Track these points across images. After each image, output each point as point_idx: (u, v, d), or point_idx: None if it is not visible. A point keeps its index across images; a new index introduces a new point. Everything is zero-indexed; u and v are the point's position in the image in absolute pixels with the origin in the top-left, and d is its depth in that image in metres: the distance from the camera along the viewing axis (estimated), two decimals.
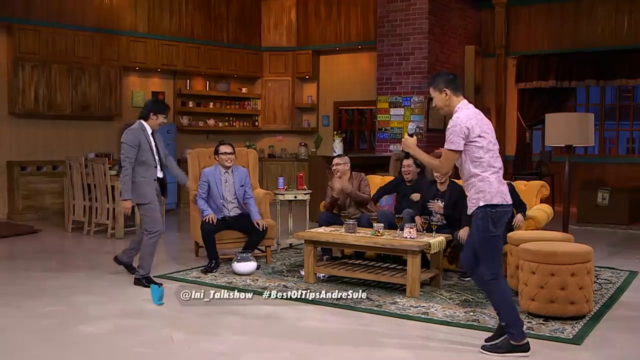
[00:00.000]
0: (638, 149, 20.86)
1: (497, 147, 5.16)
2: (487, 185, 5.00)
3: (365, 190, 8.34)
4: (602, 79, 14.10)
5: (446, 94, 5.12)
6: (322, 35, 15.75)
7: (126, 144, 7.06)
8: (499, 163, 5.11)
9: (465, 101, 5.18)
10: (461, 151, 5.03)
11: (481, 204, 5.00)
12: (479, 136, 5.01)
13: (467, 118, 5.02)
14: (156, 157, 7.25)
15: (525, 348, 5.03)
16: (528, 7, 14.71)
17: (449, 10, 13.76)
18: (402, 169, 8.52)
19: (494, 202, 4.98)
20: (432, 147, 12.49)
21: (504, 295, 5.13)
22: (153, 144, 7.24)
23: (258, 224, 8.09)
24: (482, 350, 5.12)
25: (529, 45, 14.76)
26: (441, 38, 13.50)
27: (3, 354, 5.07)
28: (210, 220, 7.94)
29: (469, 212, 5.14)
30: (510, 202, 5.11)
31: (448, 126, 5.06)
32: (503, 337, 5.11)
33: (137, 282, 7.19)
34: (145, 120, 7.24)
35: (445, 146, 5.04)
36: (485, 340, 5.22)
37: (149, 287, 6.87)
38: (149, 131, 7.22)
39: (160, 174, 7.33)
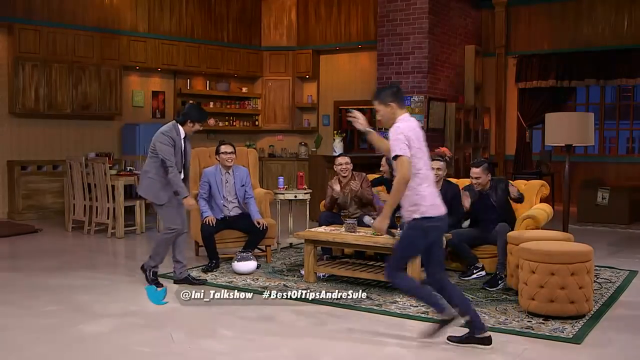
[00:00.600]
0: (638, 148, 20.89)
1: (427, 158, 5.28)
2: (421, 199, 5.11)
3: (370, 191, 8.37)
4: (602, 79, 14.12)
5: (392, 107, 5.25)
6: (322, 35, 15.77)
7: (163, 145, 7.02)
8: (432, 176, 5.31)
9: (407, 114, 5.29)
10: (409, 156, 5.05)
11: (417, 216, 5.12)
12: (419, 149, 5.13)
13: (407, 129, 5.12)
14: (182, 162, 7.24)
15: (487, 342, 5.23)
16: (528, 7, 14.72)
17: (449, 9, 13.77)
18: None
19: (428, 214, 5.11)
20: (432, 147, 12.51)
21: (409, 286, 5.48)
22: (183, 148, 7.23)
23: (258, 223, 8.11)
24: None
25: (529, 44, 14.78)
26: (441, 37, 13.51)
27: (4, 353, 5.10)
28: (210, 222, 7.95)
29: (404, 220, 5.27)
30: (443, 212, 5.22)
31: (390, 136, 5.13)
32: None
33: (142, 269, 7.30)
34: (182, 124, 7.18)
35: (392, 154, 5.09)
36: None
37: (153, 283, 6.97)
38: (182, 135, 7.19)
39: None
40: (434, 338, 5.29)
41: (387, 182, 8.44)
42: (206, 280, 7.44)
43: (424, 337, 5.35)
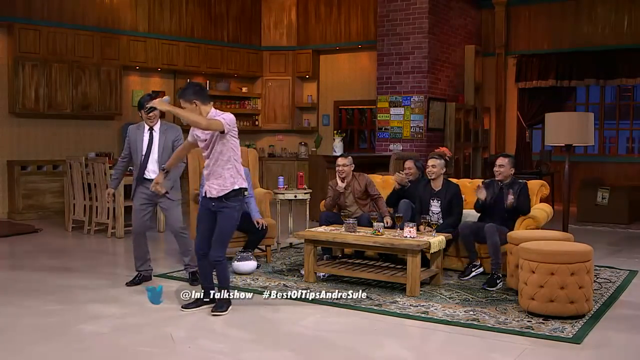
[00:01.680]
0: (638, 148, 20.96)
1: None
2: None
3: (374, 190, 8.36)
4: (602, 79, 14.15)
5: (195, 104, 5.82)
6: (322, 35, 15.81)
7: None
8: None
9: (214, 109, 6.01)
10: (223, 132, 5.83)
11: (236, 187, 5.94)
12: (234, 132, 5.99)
13: (225, 115, 5.92)
14: (142, 157, 7.15)
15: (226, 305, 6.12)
16: (528, 7, 14.75)
17: (449, 9, 13.79)
18: (405, 171, 8.57)
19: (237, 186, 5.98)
20: (432, 147, 12.54)
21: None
22: (145, 143, 7.14)
23: (258, 222, 8.11)
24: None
25: (528, 44, 14.81)
26: (441, 37, 13.53)
27: (4, 353, 5.11)
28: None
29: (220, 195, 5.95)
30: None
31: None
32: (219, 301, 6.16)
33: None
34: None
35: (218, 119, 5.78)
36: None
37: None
38: (146, 128, 7.16)
39: (148, 175, 7.13)
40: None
41: (399, 195, 8.45)
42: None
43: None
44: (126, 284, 7.22)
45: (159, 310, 6.31)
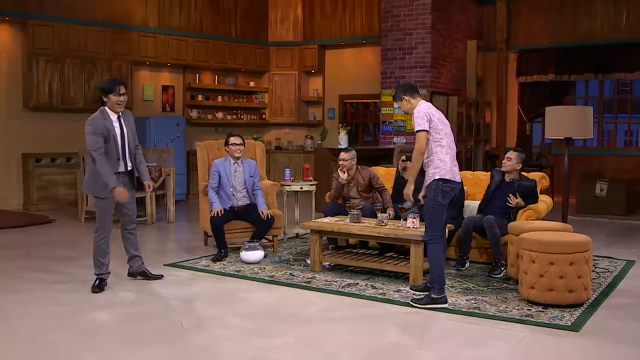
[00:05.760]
0: (636, 141, 20.89)
1: (451, 134, 6.29)
2: (442, 163, 6.08)
3: (378, 183, 8.44)
4: (601, 73, 14.25)
5: (406, 100, 6.29)
6: (327, 30, 15.95)
7: (87, 134, 6.47)
8: (453, 146, 6.25)
9: (423, 100, 6.33)
10: (428, 131, 6.05)
11: (436, 177, 6.06)
12: (438, 120, 6.14)
13: (426, 107, 6.18)
14: (122, 146, 6.66)
15: (443, 300, 6.06)
16: (528, 3, 14.87)
17: (451, 5, 13.95)
18: (400, 167, 8.71)
19: (447, 177, 6.06)
20: None
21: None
22: (119, 131, 6.62)
23: (263, 212, 8.25)
24: (411, 303, 6.16)
25: (529, 39, 14.93)
26: (444, 33, 13.70)
27: (18, 340, 5.18)
28: (217, 213, 8.06)
29: (426, 184, 6.18)
30: (458, 180, 6.23)
31: (413, 117, 6.16)
32: (426, 294, 6.18)
33: (93, 285, 6.72)
34: (105, 105, 6.61)
35: (415, 129, 6.08)
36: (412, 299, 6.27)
37: (99, 291, 6.60)
38: (113, 117, 6.60)
39: (122, 168, 6.71)
40: None
41: (399, 181, 8.52)
42: (162, 275, 7.22)
43: None
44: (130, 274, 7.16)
45: (168, 299, 6.40)
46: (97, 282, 6.73)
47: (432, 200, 6.09)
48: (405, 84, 6.57)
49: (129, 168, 6.78)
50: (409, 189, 6.20)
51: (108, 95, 6.53)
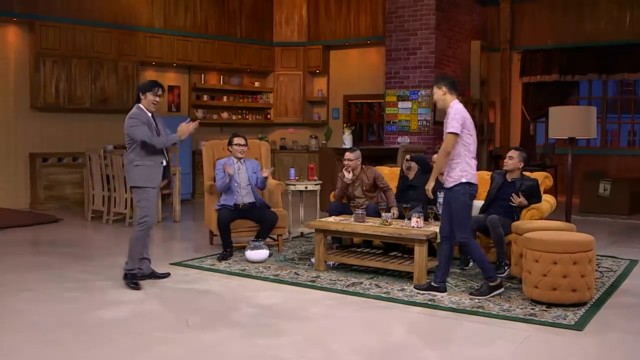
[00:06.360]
0: (639, 141, 20.97)
1: (476, 139, 6.46)
2: (469, 167, 6.29)
3: (383, 182, 8.46)
4: (604, 73, 14.31)
5: (443, 91, 6.37)
6: (332, 31, 16.02)
7: (134, 126, 6.79)
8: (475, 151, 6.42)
9: (457, 102, 6.38)
10: (459, 134, 6.20)
11: (463, 180, 6.23)
12: (470, 124, 6.30)
13: (462, 109, 6.29)
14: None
15: (500, 285, 6.41)
16: (532, 3, 14.93)
17: (455, 6, 14.00)
18: (404, 167, 8.77)
19: (472, 181, 6.28)
20: (439, 139, 12.75)
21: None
22: (155, 126, 6.96)
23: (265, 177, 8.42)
24: (471, 296, 6.36)
25: (533, 40, 14.99)
26: (448, 33, 13.74)
27: (26, 338, 5.21)
28: (224, 168, 8.22)
29: (449, 185, 6.32)
30: (476, 183, 6.45)
31: (448, 115, 6.27)
32: (483, 283, 6.47)
33: (124, 276, 6.92)
34: (141, 102, 6.94)
35: (447, 131, 6.20)
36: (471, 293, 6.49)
37: (134, 286, 6.73)
38: (149, 114, 6.93)
39: (165, 160, 7.03)
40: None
41: (408, 186, 8.60)
42: (169, 273, 7.28)
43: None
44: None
45: (174, 298, 6.46)
46: (129, 276, 6.89)
47: (462, 202, 6.28)
48: (450, 77, 6.67)
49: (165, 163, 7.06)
50: (430, 185, 6.39)
51: (146, 94, 6.90)
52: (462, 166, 6.22)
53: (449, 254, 6.55)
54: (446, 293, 6.51)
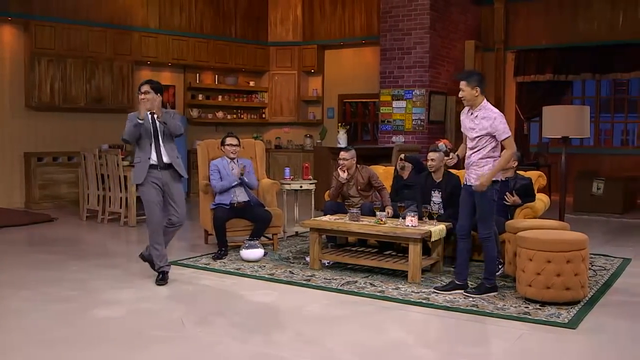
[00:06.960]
0: (632, 140, 20.99)
1: None
2: None
3: (377, 182, 8.48)
4: (598, 73, 14.37)
5: (476, 91, 6.33)
6: (327, 31, 16.03)
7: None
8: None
9: (486, 101, 6.43)
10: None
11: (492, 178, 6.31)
12: None
13: (498, 111, 6.38)
14: (153, 140, 6.97)
15: (496, 289, 6.51)
16: (526, 3, 14.96)
17: (449, 6, 14.02)
18: (399, 167, 8.81)
19: (498, 178, 6.41)
20: (433, 139, 12.77)
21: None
22: (150, 126, 7.01)
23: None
24: (466, 294, 6.44)
25: (527, 40, 15.03)
26: (442, 33, 13.77)
27: (23, 336, 5.21)
28: (236, 171, 8.28)
29: (477, 183, 6.33)
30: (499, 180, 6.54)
31: (494, 120, 6.26)
32: (480, 282, 6.56)
33: (142, 257, 7.18)
34: None
35: (504, 136, 6.27)
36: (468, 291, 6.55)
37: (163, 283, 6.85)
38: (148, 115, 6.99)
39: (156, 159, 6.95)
40: None
41: (403, 186, 8.62)
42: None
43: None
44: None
45: (170, 297, 6.47)
46: (159, 275, 6.96)
47: (490, 198, 6.39)
48: (480, 74, 6.62)
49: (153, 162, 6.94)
50: (488, 181, 6.29)
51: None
52: (490, 165, 6.32)
53: (470, 249, 6.71)
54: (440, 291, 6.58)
